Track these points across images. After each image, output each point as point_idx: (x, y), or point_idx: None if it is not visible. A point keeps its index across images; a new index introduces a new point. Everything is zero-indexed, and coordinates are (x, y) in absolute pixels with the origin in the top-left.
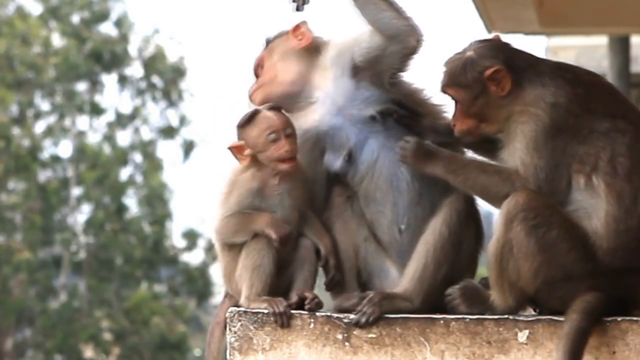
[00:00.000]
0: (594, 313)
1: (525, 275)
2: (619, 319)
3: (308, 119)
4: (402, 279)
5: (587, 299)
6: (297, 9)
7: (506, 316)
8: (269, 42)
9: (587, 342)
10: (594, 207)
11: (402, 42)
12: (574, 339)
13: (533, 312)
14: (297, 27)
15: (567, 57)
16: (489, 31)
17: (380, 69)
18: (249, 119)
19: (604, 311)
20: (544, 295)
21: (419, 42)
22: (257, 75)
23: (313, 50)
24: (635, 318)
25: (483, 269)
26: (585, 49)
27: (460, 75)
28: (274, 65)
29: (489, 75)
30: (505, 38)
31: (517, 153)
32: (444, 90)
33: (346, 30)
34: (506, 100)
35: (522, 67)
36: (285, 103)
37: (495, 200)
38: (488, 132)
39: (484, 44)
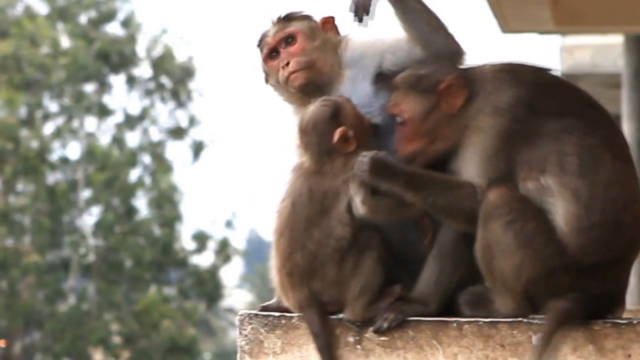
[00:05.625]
0: (568, 316)
1: (509, 274)
2: (635, 321)
3: None
4: (418, 283)
5: (561, 303)
6: (360, 21)
7: (520, 319)
8: (294, 17)
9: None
10: (554, 207)
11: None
12: (544, 344)
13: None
14: (328, 20)
15: (582, 56)
16: (503, 30)
17: None
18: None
19: (586, 310)
20: (534, 296)
21: (461, 61)
22: (276, 49)
23: (336, 47)
24: None
25: None
26: (600, 48)
27: (416, 87)
28: (316, 50)
29: (442, 89)
30: (520, 37)
31: (471, 166)
32: (392, 108)
33: (365, 30)
34: (457, 115)
35: (469, 80)
36: (311, 95)
37: (459, 217)
38: (439, 150)
39: (437, 62)
